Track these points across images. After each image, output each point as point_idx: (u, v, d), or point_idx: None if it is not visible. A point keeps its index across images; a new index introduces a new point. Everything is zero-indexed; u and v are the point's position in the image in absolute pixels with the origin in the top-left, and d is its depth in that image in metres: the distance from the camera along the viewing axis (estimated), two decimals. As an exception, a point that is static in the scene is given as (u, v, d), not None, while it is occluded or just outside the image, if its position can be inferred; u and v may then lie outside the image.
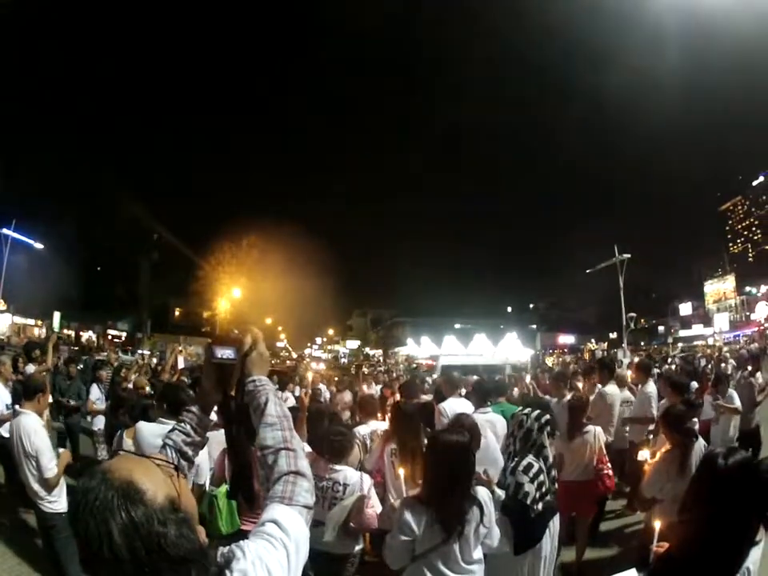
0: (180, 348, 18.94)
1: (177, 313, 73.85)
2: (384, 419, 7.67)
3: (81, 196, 58.43)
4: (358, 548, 5.21)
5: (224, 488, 5.03)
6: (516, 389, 11.73)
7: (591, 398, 8.48)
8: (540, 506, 4.71)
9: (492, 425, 6.69)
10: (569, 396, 8.42)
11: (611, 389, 8.76)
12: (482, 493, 4.09)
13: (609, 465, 7.01)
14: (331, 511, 4.87)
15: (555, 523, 5.05)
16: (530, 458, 4.88)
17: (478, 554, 3.96)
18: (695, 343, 71.41)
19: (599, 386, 9.14)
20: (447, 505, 3.81)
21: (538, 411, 5.27)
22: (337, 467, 5.11)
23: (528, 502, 4.61)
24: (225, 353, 2.18)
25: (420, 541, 3.76)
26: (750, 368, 10.96)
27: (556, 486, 5.04)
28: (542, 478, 4.79)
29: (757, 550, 2.79)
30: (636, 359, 20.14)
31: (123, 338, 62.09)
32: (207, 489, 5.33)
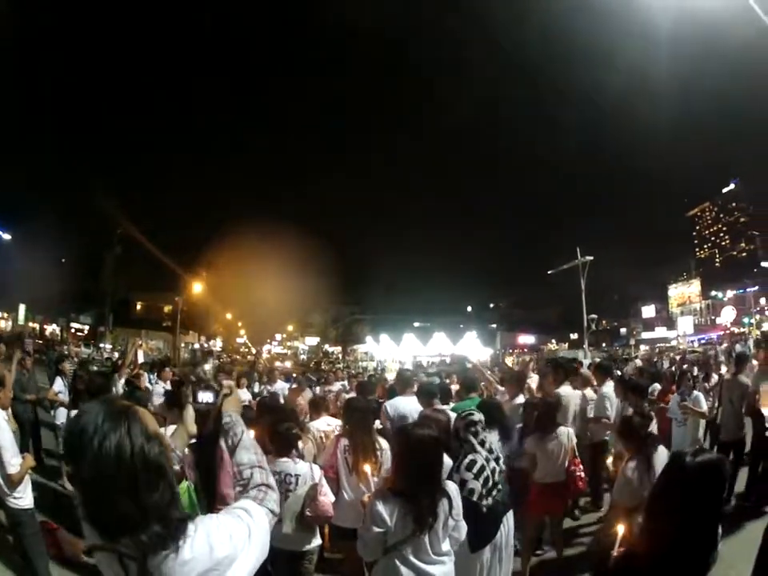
0: (140, 342, 18.97)
1: (138, 307, 73.42)
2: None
3: (49, 188, 57.96)
4: (316, 544, 5.28)
5: (184, 484, 5.04)
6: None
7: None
8: (490, 500, 4.76)
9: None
10: (522, 397, 8.44)
11: (565, 390, 8.74)
12: (450, 486, 4.12)
13: (581, 466, 7.08)
14: (286, 502, 4.93)
15: (509, 519, 5.11)
16: (473, 455, 4.94)
17: (446, 546, 3.99)
18: (662, 345, 71.90)
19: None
20: (419, 497, 3.83)
21: (465, 411, 5.41)
22: (285, 459, 5.23)
23: (474, 498, 4.65)
24: (206, 397, 2.82)
25: (392, 533, 3.78)
26: (731, 369, 10.66)
27: (500, 479, 5.02)
28: (486, 473, 4.84)
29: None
30: (597, 360, 20.25)
31: (86, 332, 61.71)
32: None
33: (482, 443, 5.10)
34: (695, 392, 9.26)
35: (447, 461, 5.17)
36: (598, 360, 20.57)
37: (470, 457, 4.92)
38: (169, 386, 12.08)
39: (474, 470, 4.80)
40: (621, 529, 3.00)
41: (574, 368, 10.50)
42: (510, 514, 5.16)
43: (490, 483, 4.83)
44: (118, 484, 1.76)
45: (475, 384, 8.82)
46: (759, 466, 8.96)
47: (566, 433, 7.07)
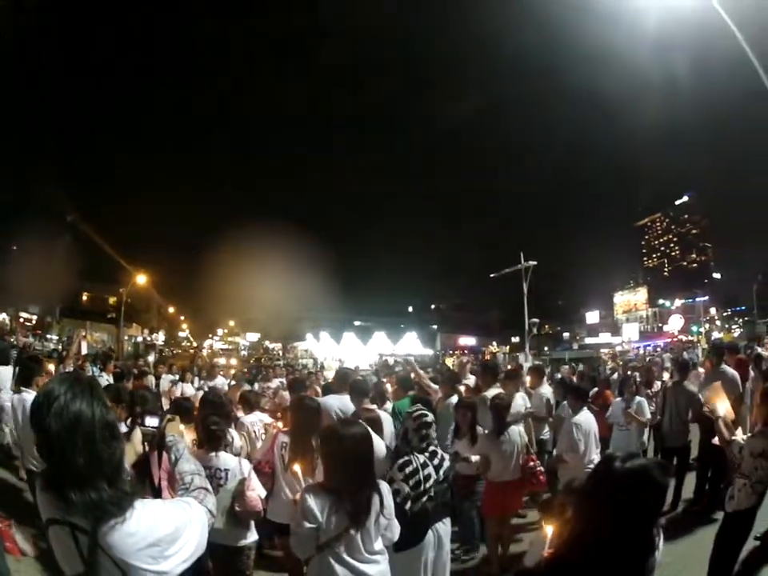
0: (84, 334, 18.89)
1: (85, 298, 72.18)
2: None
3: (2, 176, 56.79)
4: (252, 539, 5.26)
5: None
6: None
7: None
8: (417, 506, 4.77)
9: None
10: (456, 398, 8.50)
11: (494, 392, 8.63)
12: (382, 485, 4.11)
13: (538, 462, 7.25)
14: (217, 496, 4.84)
15: (442, 528, 5.07)
16: (410, 456, 4.95)
17: (379, 544, 3.99)
18: (607, 350, 72.76)
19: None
20: (349, 493, 3.82)
21: (420, 411, 5.31)
22: (214, 454, 5.22)
23: (398, 499, 4.61)
24: (152, 421, 3.14)
25: (324, 529, 3.76)
26: (676, 376, 10.58)
27: (435, 487, 4.97)
28: (418, 477, 4.83)
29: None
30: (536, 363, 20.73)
31: (34, 322, 60.67)
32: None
33: (427, 447, 5.09)
34: (638, 398, 9.37)
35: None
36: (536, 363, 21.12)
37: (407, 457, 4.93)
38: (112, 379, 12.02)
39: (406, 472, 4.81)
40: (549, 530, 3.02)
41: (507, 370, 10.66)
42: (446, 523, 5.15)
43: (420, 489, 4.82)
44: (78, 436, 2.06)
45: (411, 382, 8.88)
46: (708, 472, 9.09)
47: (518, 431, 7.21)
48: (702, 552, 5.84)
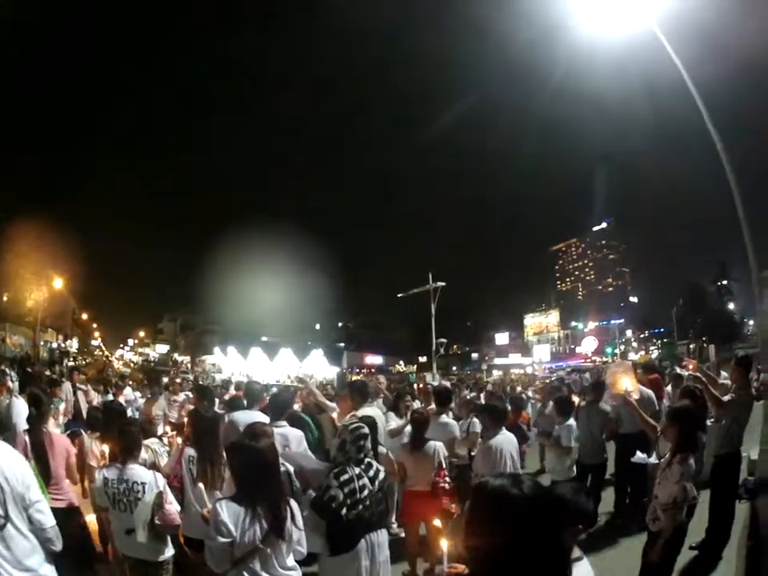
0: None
1: (5, 298, 70.43)
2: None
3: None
4: (169, 554, 5.19)
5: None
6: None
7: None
8: (353, 513, 4.80)
9: (284, 438, 6.58)
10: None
11: (373, 411, 8.53)
12: (292, 501, 4.20)
13: (447, 479, 7.21)
14: (137, 510, 4.89)
15: (375, 537, 5.05)
16: (347, 466, 4.98)
17: (291, 560, 4.05)
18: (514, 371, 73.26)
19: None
20: (261, 507, 3.88)
21: (356, 424, 5.37)
22: (132, 466, 5.12)
23: (333, 505, 4.71)
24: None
25: (238, 544, 3.78)
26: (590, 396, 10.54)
27: (369, 498, 4.99)
28: (353, 485, 4.88)
29: (580, 566, 2.81)
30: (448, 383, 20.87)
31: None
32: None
33: (363, 458, 5.14)
34: (568, 422, 9.11)
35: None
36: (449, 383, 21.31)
37: (343, 467, 4.97)
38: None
39: (341, 480, 4.84)
40: (445, 544, 3.04)
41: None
42: (381, 533, 5.16)
43: (356, 497, 4.86)
44: None
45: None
46: (627, 487, 9.49)
47: (434, 446, 7.36)
48: (628, 563, 6.00)
